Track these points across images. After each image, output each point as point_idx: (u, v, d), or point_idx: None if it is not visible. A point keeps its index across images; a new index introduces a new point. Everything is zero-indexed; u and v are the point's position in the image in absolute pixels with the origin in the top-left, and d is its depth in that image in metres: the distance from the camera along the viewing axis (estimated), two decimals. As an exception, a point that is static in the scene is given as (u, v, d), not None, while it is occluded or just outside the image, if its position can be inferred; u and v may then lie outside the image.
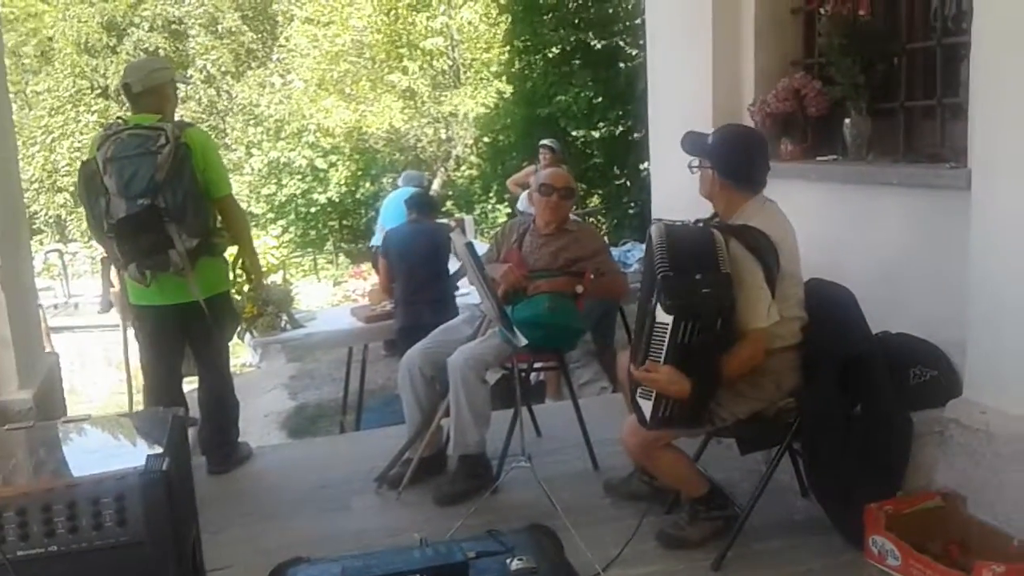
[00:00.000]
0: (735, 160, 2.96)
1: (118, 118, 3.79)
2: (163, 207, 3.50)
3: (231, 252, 3.95)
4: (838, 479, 2.97)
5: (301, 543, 3.17)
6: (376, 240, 7.81)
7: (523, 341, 3.08)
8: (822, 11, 3.59)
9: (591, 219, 13.68)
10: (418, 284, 5.34)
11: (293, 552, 2.19)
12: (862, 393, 2.95)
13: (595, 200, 14.91)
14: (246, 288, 4.38)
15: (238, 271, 4.00)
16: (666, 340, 2.67)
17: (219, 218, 3.83)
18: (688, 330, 2.64)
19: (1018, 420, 2.65)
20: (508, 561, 1.81)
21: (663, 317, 2.66)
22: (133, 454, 1.78)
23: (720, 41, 4.05)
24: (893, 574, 2.74)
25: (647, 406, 2.79)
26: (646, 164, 4.86)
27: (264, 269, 11.25)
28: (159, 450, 1.72)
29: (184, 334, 3.84)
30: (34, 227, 19.38)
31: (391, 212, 7.53)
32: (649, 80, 4.81)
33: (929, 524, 2.82)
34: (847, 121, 3.56)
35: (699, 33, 4.12)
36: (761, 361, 2.81)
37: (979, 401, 2.81)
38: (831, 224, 3.50)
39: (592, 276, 3.72)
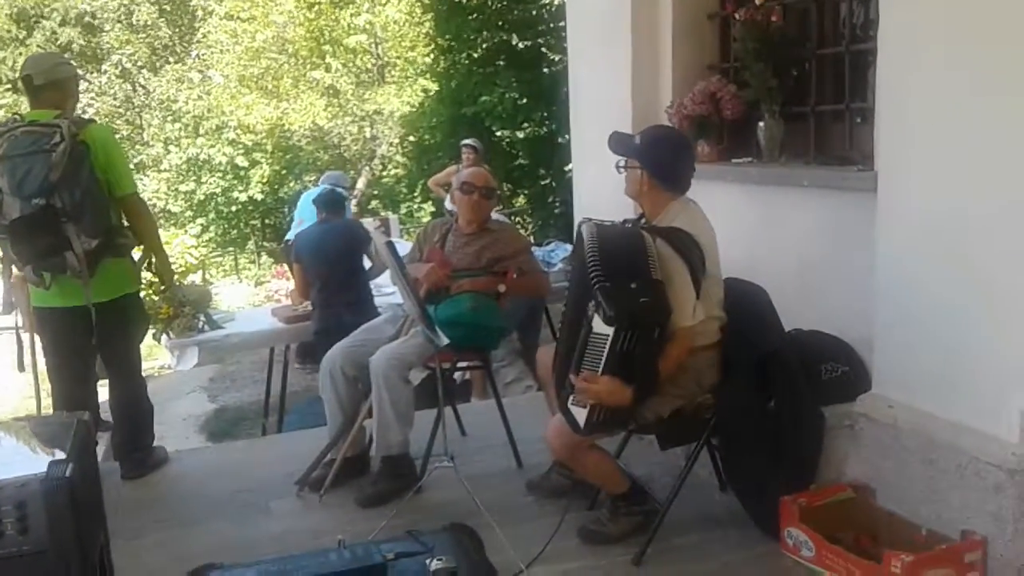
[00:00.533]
0: (665, 161, 3.02)
1: (14, 114, 3.64)
2: (59, 207, 3.38)
3: (139, 251, 3.84)
4: (754, 473, 3.05)
5: (219, 549, 3.11)
6: (291, 235, 7.70)
7: (445, 340, 3.08)
8: (737, 16, 3.66)
9: (516, 219, 13.74)
10: (334, 286, 5.27)
11: (210, 558, 2.14)
12: (776, 389, 3.03)
13: (521, 200, 14.97)
14: (161, 289, 4.24)
15: (147, 271, 3.89)
16: (605, 350, 2.67)
17: (124, 217, 3.71)
18: (628, 339, 2.66)
19: (923, 415, 2.75)
20: (428, 561, 1.80)
21: (602, 328, 2.66)
22: (35, 460, 1.72)
23: (639, 44, 4.11)
24: (808, 565, 2.82)
25: (581, 414, 2.79)
26: (571, 165, 4.92)
27: (183, 269, 11.01)
28: (62, 456, 1.67)
29: (89, 336, 3.71)
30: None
31: (306, 207, 7.40)
32: (570, 82, 4.85)
33: (841, 516, 2.91)
34: (761, 124, 3.64)
35: (618, 37, 4.18)
36: (688, 352, 2.86)
37: (887, 396, 2.91)
38: (746, 224, 3.58)
39: (514, 275, 3.74)
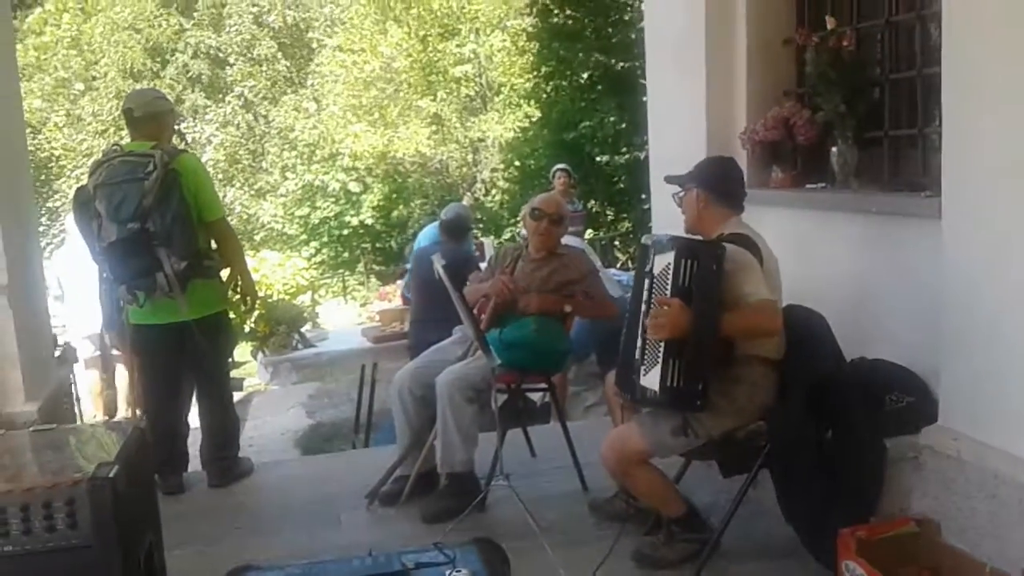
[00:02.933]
0: (715, 175, 3.15)
1: (115, 145, 3.95)
2: (152, 231, 3.64)
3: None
4: (810, 503, 2.98)
5: (288, 556, 3.25)
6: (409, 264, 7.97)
7: (497, 361, 3.15)
8: (807, 41, 3.64)
9: (616, 243, 13.73)
10: (432, 305, 5.42)
11: (280, 565, 2.26)
12: (834, 417, 2.97)
13: (626, 224, 14.96)
14: (244, 309, 4.48)
15: (234, 292, 4.11)
16: (668, 284, 2.80)
17: (211, 241, 3.95)
18: (688, 270, 2.77)
19: (989, 448, 2.66)
20: (447, 572, 1.86)
21: (664, 261, 2.82)
22: (89, 462, 1.88)
23: (713, 70, 4.11)
24: (865, 599, 2.75)
25: (655, 376, 2.82)
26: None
27: (293, 289, 11.46)
28: (110, 459, 1.82)
29: (181, 353, 3.96)
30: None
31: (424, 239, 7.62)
32: (649, 109, 4.89)
33: (903, 550, 2.82)
34: (834, 149, 3.60)
35: (693, 63, 4.19)
36: (774, 329, 2.87)
37: (952, 428, 2.81)
38: (815, 251, 3.54)
39: (581, 298, 3.79)
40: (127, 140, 3.99)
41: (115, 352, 5.18)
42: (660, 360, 2.81)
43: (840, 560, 2.85)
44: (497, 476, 3.37)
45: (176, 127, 4.14)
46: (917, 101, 3.35)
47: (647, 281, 2.93)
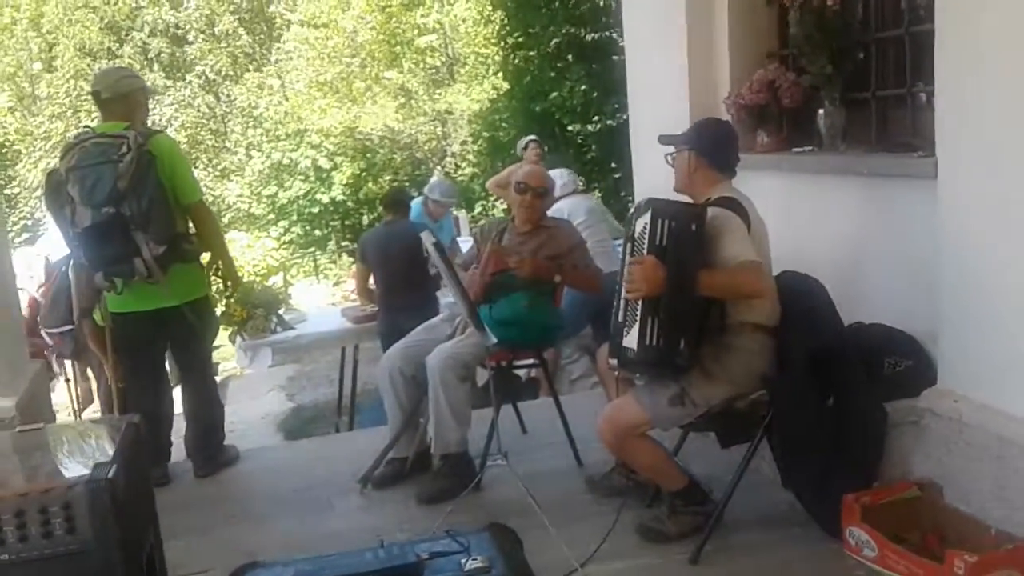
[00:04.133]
0: (710, 139, 3.09)
1: (85, 127, 3.81)
2: (127, 215, 3.51)
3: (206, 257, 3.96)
4: (813, 471, 2.97)
5: (282, 544, 3.21)
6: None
7: (493, 340, 3.09)
8: (798, 1, 3.57)
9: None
10: (397, 288, 5.33)
11: (273, 554, 2.21)
12: (834, 384, 2.95)
13: (597, 194, 14.89)
14: (226, 293, 4.38)
15: (215, 276, 4.01)
16: (645, 244, 2.79)
17: (190, 224, 3.83)
18: (665, 229, 2.76)
19: (991, 410, 2.65)
20: (463, 561, 1.81)
21: (642, 223, 2.81)
22: (82, 462, 1.80)
23: (694, 34, 4.04)
24: (870, 565, 2.74)
25: (633, 336, 2.80)
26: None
27: (264, 271, 11.23)
28: (107, 458, 1.74)
29: (163, 340, 3.86)
30: (39, 232, 19.46)
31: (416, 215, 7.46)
32: (628, 74, 4.81)
33: (907, 515, 2.82)
34: (820, 112, 3.55)
35: (674, 26, 4.12)
36: (758, 290, 2.84)
37: (952, 390, 2.80)
38: (804, 215, 3.50)
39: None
40: (97, 122, 3.83)
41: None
42: (638, 319, 2.80)
43: (844, 526, 2.85)
44: (494, 455, 3.32)
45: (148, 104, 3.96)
46: (905, 60, 3.30)
47: (628, 245, 2.93)
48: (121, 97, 3.74)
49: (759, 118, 3.81)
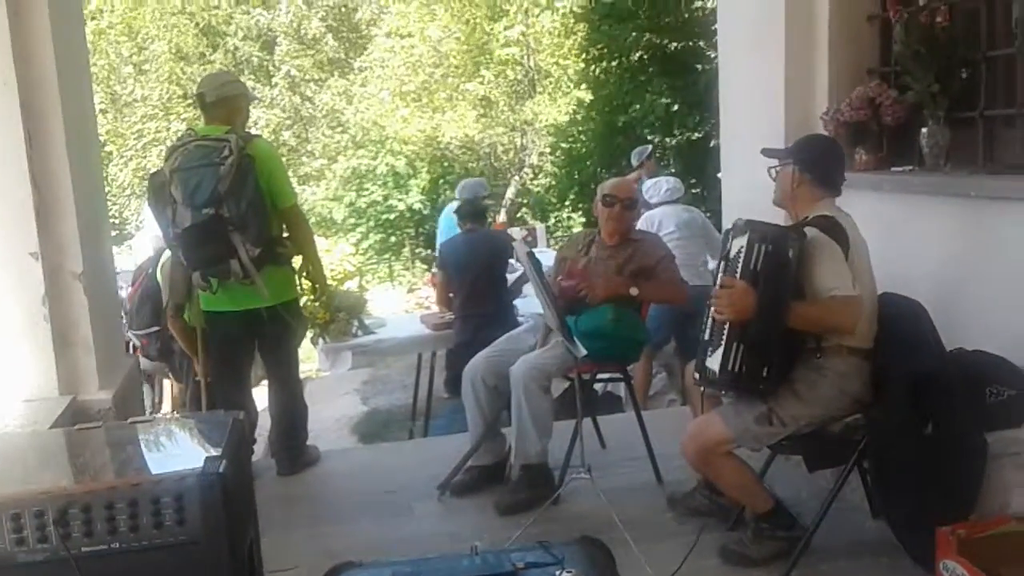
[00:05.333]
0: (817, 155, 3.05)
1: (189, 129, 3.92)
2: (226, 217, 3.60)
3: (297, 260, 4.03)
4: (907, 501, 2.88)
5: (362, 546, 3.24)
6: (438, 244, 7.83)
7: (583, 352, 3.08)
8: (897, 17, 3.48)
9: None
10: (476, 296, 5.35)
11: (354, 555, 2.22)
12: (935, 412, 2.85)
13: (703, 210, 14.76)
14: (315, 297, 4.45)
15: (303, 279, 4.07)
16: (739, 267, 2.75)
17: (283, 228, 3.91)
18: (760, 254, 2.73)
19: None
20: (557, 573, 1.80)
21: (739, 244, 2.78)
22: (193, 456, 1.84)
23: (793, 49, 3.96)
24: (965, 600, 2.65)
25: (717, 358, 2.79)
26: (721, 173, 4.86)
27: (341, 275, 11.39)
28: (217, 452, 1.78)
29: (253, 340, 3.94)
30: (125, 231, 20.12)
31: (447, 220, 7.51)
32: (720, 90, 4.74)
33: (1005, 549, 2.70)
34: (924, 130, 3.45)
35: (771, 41, 4.04)
36: (847, 328, 2.79)
37: (1059, 422, 2.69)
38: (905, 237, 3.40)
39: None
40: (200, 124, 3.95)
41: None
42: (723, 342, 2.78)
43: (938, 559, 2.74)
44: (578, 468, 3.30)
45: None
46: (1016, 79, 3.19)
47: (722, 263, 2.90)
48: (225, 101, 3.85)
49: (858, 135, 3.72)
